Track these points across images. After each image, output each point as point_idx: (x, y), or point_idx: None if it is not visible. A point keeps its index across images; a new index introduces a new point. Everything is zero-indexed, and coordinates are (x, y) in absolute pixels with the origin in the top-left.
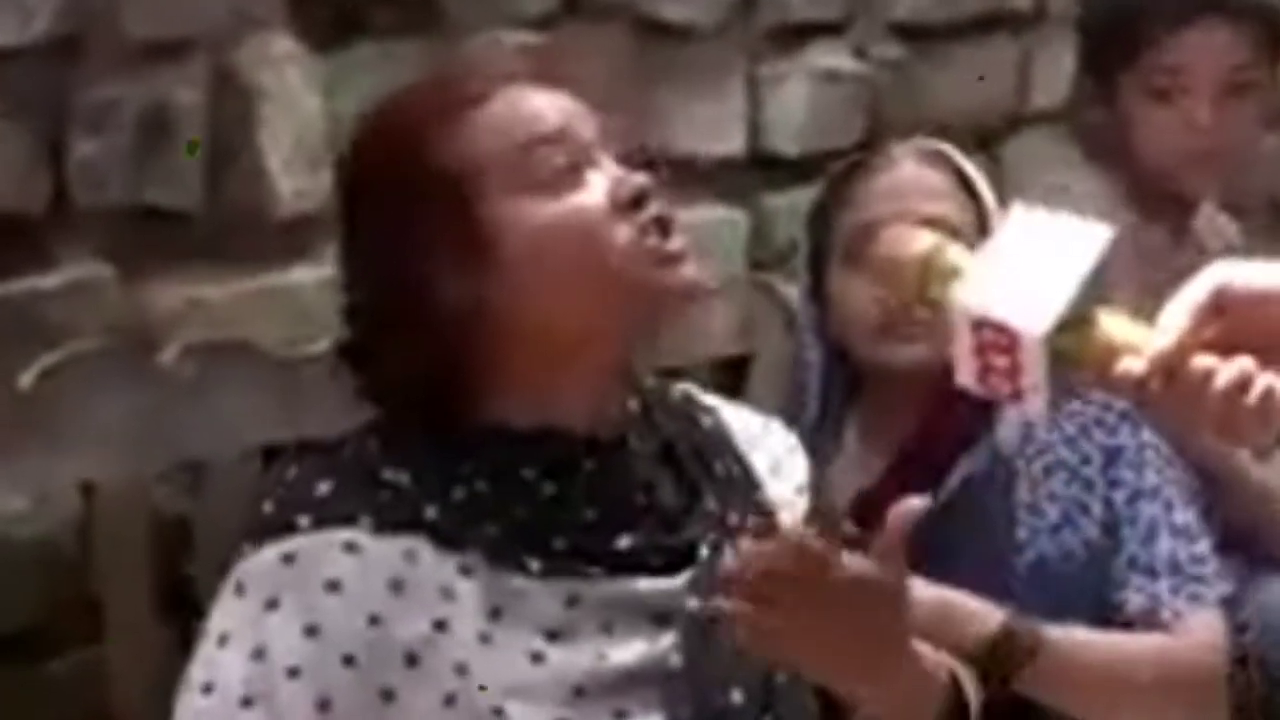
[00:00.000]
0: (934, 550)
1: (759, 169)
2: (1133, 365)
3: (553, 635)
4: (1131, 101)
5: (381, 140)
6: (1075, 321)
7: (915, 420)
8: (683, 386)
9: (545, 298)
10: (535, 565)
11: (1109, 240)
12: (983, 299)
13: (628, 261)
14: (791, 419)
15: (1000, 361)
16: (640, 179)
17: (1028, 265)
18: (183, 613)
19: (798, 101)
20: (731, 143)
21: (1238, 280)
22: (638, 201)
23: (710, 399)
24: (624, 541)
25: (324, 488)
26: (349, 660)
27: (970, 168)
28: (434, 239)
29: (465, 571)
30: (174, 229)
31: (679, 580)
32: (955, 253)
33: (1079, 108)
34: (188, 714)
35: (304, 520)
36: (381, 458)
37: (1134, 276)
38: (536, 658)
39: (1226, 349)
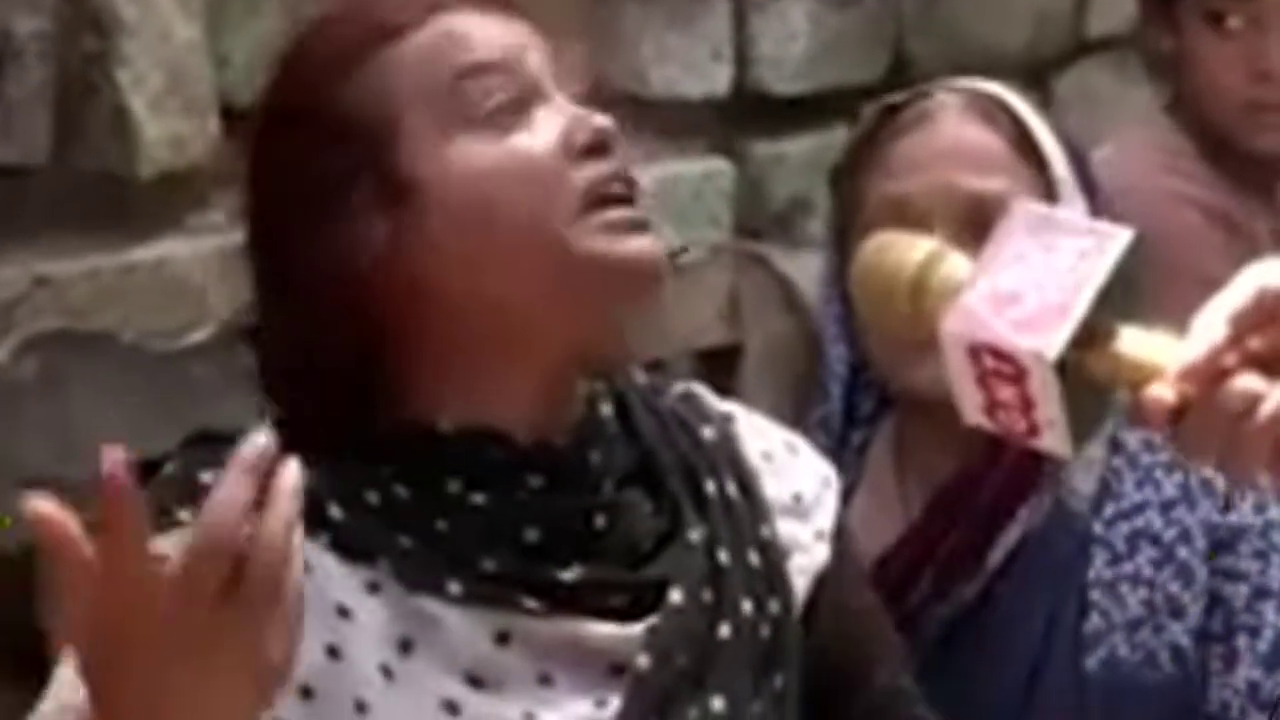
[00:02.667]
0: (975, 632)
1: (748, 112)
2: (1163, 393)
3: (475, 680)
4: (1191, 30)
5: (284, 83)
6: (1092, 340)
7: (960, 450)
8: (686, 387)
9: (475, 262)
10: (455, 588)
11: (1130, 243)
12: (978, 319)
13: (578, 222)
14: (820, 427)
15: (1007, 393)
16: (602, 121)
17: (1032, 275)
18: (33, 674)
19: (797, 29)
20: (714, 80)
21: None
22: (596, 149)
23: (726, 406)
24: (571, 573)
25: (207, 477)
26: None
27: (1037, 123)
28: (344, 196)
29: (371, 588)
30: (13, 191)
31: (637, 629)
32: (955, 264)
33: (1144, 32)
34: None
35: (184, 514)
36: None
37: (1210, 244)
38: (450, 707)
39: (1271, 366)
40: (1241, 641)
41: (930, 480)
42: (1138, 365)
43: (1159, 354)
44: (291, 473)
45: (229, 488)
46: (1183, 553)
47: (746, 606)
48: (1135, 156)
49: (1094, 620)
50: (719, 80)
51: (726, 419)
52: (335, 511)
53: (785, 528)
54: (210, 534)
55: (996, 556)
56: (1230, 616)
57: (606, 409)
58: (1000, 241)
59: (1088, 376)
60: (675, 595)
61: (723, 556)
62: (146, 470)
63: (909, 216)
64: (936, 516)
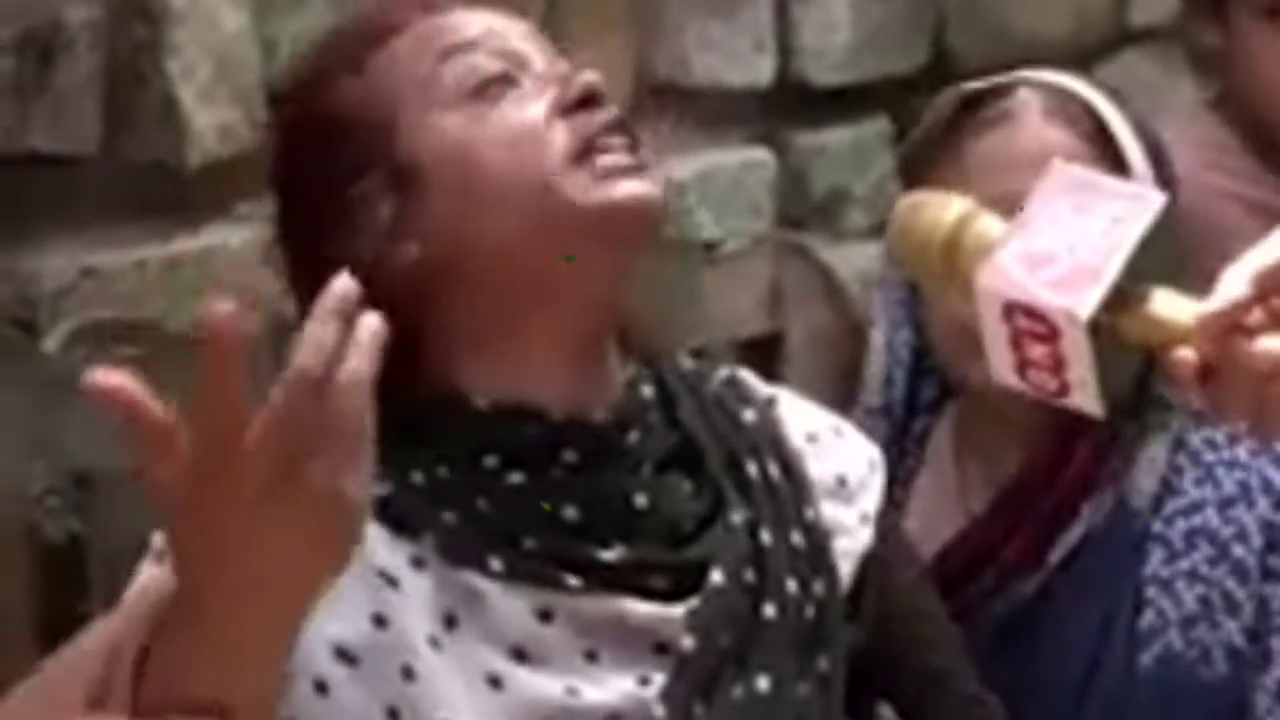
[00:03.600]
0: (1033, 627)
1: (790, 103)
2: (1185, 353)
3: (520, 654)
4: (1241, 21)
5: (293, 92)
6: (1123, 302)
7: (1021, 443)
8: (729, 372)
9: (479, 228)
10: (498, 564)
11: (1161, 207)
12: (1012, 278)
13: (570, 173)
14: (883, 414)
15: (1039, 352)
16: (588, 75)
17: (1066, 237)
18: None
19: (839, 19)
20: (757, 70)
21: None
22: (585, 102)
23: (769, 389)
24: (612, 553)
25: None
26: None
27: (1117, 122)
28: (353, 188)
29: (417, 564)
30: (63, 181)
31: (679, 610)
32: (988, 223)
33: (1188, 25)
34: None
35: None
36: None
37: (1254, 240)
38: (495, 681)
39: None
40: (1276, 642)
41: (991, 471)
42: (1168, 326)
43: (1189, 316)
44: (373, 319)
45: (316, 330)
46: (1239, 550)
47: (791, 586)
48: (1179, 151)
49: (1149, 617)
50: (761, 70)
51: (769, 402)
52: (381, 488)
53: (829, 510)
54: (301, 371)
55: (1058, 554)
56: (1269, 617)
57: (648, 391)
58: (1036, 203)
59: (1119, 338)
60: (716, 576)
61: (765, 537)
62: None
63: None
64: (1001, 514)
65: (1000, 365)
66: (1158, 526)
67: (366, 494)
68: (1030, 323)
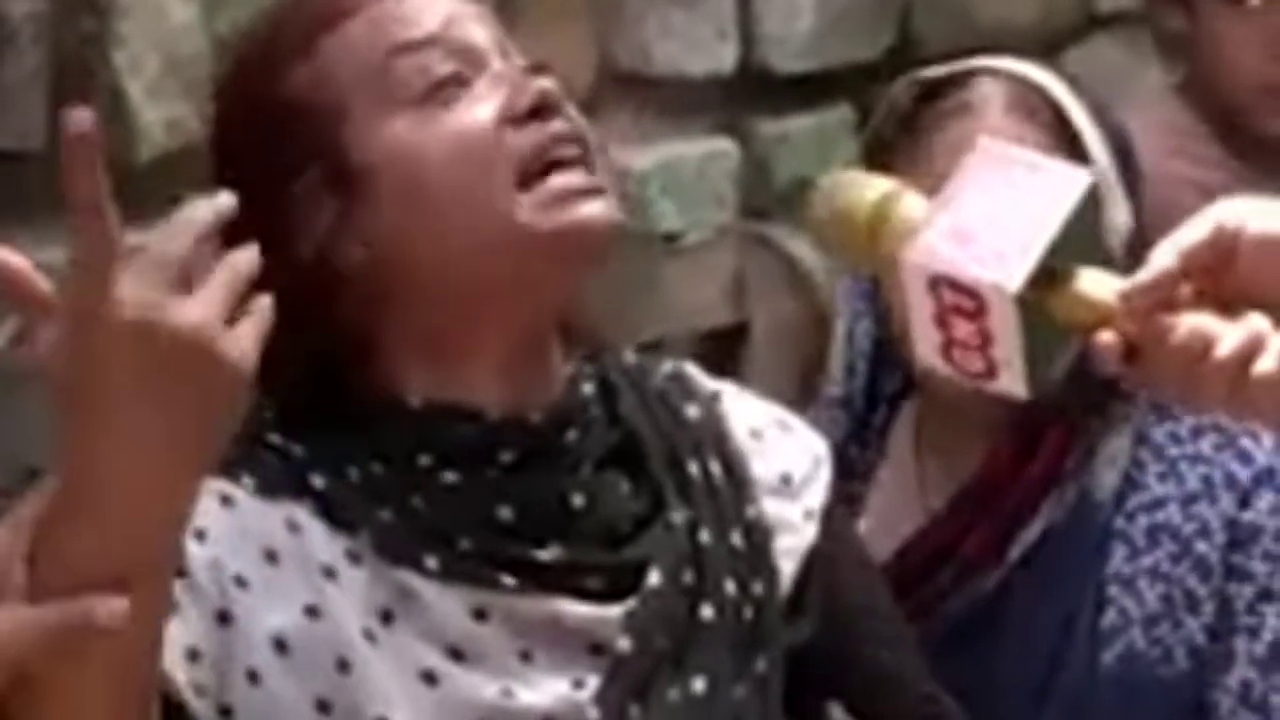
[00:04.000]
0: (992, 625)
1: (753, 91)
2: (1109, 335)
3: (455, 653)
4: (1206, 5)
5: (237, 74)
6: (1050, 280)
7: (982, 439)
8: (674, 366)
9: (426, 238)
10: (433, 563)
11: (1088, 186)
12: (939, 253)
13: (522, 193)
14: (842, 405)
15: (965, 330)
16: (544, 84)
17: (993, 213)
18: None
19: (802, 6)
20: (719, 58)
21: (1253, 221)
22: (539, 112)
23: (714, 385)
24: (547, 553)
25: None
26: (221, 617)
27: (1079, 114)
28: (297, 181)
29: (353, 559)
30: (9, 177)
31: (616, 611)
32: (913, 202)
33: (1154, 10)
34: None
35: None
36: (272, 426)
37: None
38: (429, 678)
39: (1231, 306)
40: (1239, 643)
41: (952, 467)
42: (1094, 305)
43: (1113, 293)
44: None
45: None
46: (1201, 547)
47: (730, 587)
48: (1143, 138)
49: (1111, 615)
50: (723, 58)
51: (713, 397)
52: (319, 481)
53: (772, 507)
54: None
55: (1018, 550)
56: (1232, 616)
57: (588, 389)
58: (963, 179)
59: (1045, 317)
60: (654, 577)
61: (705, 537)
62: None
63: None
64: (961, 511)
65: (925, 346)
66: (1120, 523)
67: (246, 356)
68: (957, 297)
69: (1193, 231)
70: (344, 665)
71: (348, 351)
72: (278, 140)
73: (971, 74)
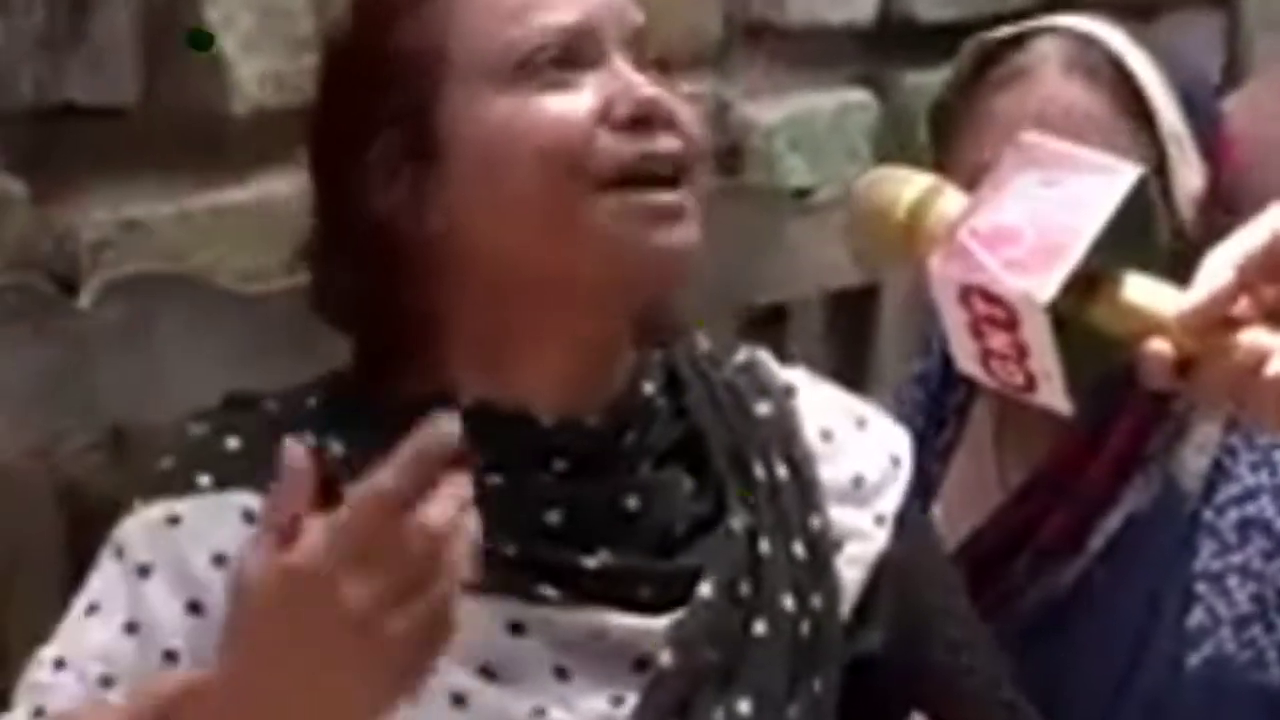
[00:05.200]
0: (1070, 619)
1: (894, 41)
2: (1161, 347)
3: (487, 672)
4: None
5: (349, 17)
6: (1092, 286)
7: (1061, 422)
8: (748, 356)
9: (497, 225)
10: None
11: (1136, 183)
12: (969, 259)
13: (603, 197)
14: (920, 381)
15: (1000, 341)
16: (651, 91)
17: (1031, 215)
18: None
19: None
20: (858, 6)
21: None
22: (641, 122)
23: (789, 376)
24: (595, 559)
25: (233, 444)
26: (192, 607)
27: (1146, 73)
28: (381, 137)
29: None
30: (101, 132)
31: (662, 622)
32: (952, 200)
33: None
34: (28, 691)
35: (204, 479)
36: (314, 419)
37: None
38: (459, 700)
39: None
40: None
41: (1029, 449)
42: (1141, 315)
43: (1163, 302)
44: (464, 480)
45: (395, 472)
46: None
47: (787, 602)
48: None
49: (1198, 615)
50: (863, 6)
51: (786, 392)
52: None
53: (840, 514)
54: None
55: (1098, 540)
56: None
57: (650, 385)
58: (1002, 176)
59: (1087, 326)
60: (706, 588)
61: (765, 546)
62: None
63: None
64: (1036, 496)
65: (963, 355)
66: (1208, 515)
67: (445, 642)
68: (989, 308)
69: (1249, 239)
70: None
71: (404, 334)
72: (371, 91)
73: (1034, 34)
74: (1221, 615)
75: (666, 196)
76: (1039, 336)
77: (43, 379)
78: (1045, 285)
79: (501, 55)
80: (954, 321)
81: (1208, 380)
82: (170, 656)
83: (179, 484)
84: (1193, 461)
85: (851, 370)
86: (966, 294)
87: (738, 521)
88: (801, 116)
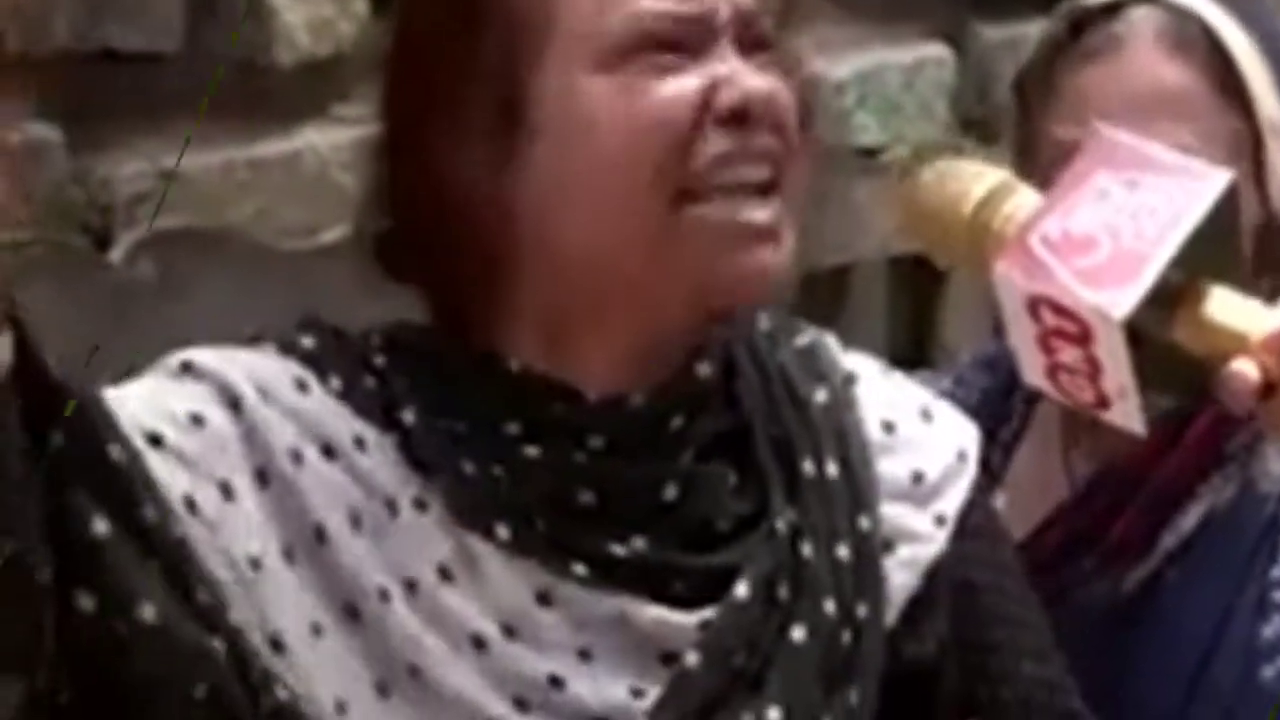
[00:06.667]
0: (1138, 621)
1: None
2: (1246, 368)
3: (510, 630)
4: None
5: None
6: (1172, 300)
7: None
8: (811, 338)
9: (574, 210)
10: (505, 533)
11: (1224, 188)
12: (1039, 266)
13: (695, 202)
14: (988, 367)
15: (1071, 356)
16: (757, 84)
17: (1107, 219)
18: None
19: None
20: None
21: None
22: (741, 116)
23: (852, 363)
24: (627, 548)
25: (307, 341)
26: (295, 456)
27: (1245, 51)
28: (470, 94)
29: (419, 506)
30: (142, 79)
31: (692, 619)
32: (1023, 199)
33: None
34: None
35: (269, 345)
36: (379, 350)
37: None
38: (478, 643)
39: None
40: None
41: (1098, 443)
42: (1225, 333)
43: (1249, 320)
44: None
45: None
46: None
47: (829, 607)
48: None
49: (1276, 624)
50: None
51: (847, 380)
52: (409, 416)
53: (896, 513)
54: None
55: (1170, 540)
56: None
57: (705, 368)
58: (1077, 176)
59: (1166, 341)
60: (741, 588)
61: (808, 548)
62: None
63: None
64: (1106, 493)
65: (1030, 367)
66: None
67: None
68: (1059, 320)
69: None
70: (384, 595)
71: (462, 294)
72: (468, 40)
73: (1126, 2)
74: None
75: (759, 215)
76: (1114, 353)
77: (72, 340)
78: (1122, 300)
79: (609, 33)
80: (1021, 332)
81: None
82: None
83: (240, 338)
84: (1275, 463)
85: (913, 339)
86: (1035, 305)
87: (781, 521)
88: (873, 72)
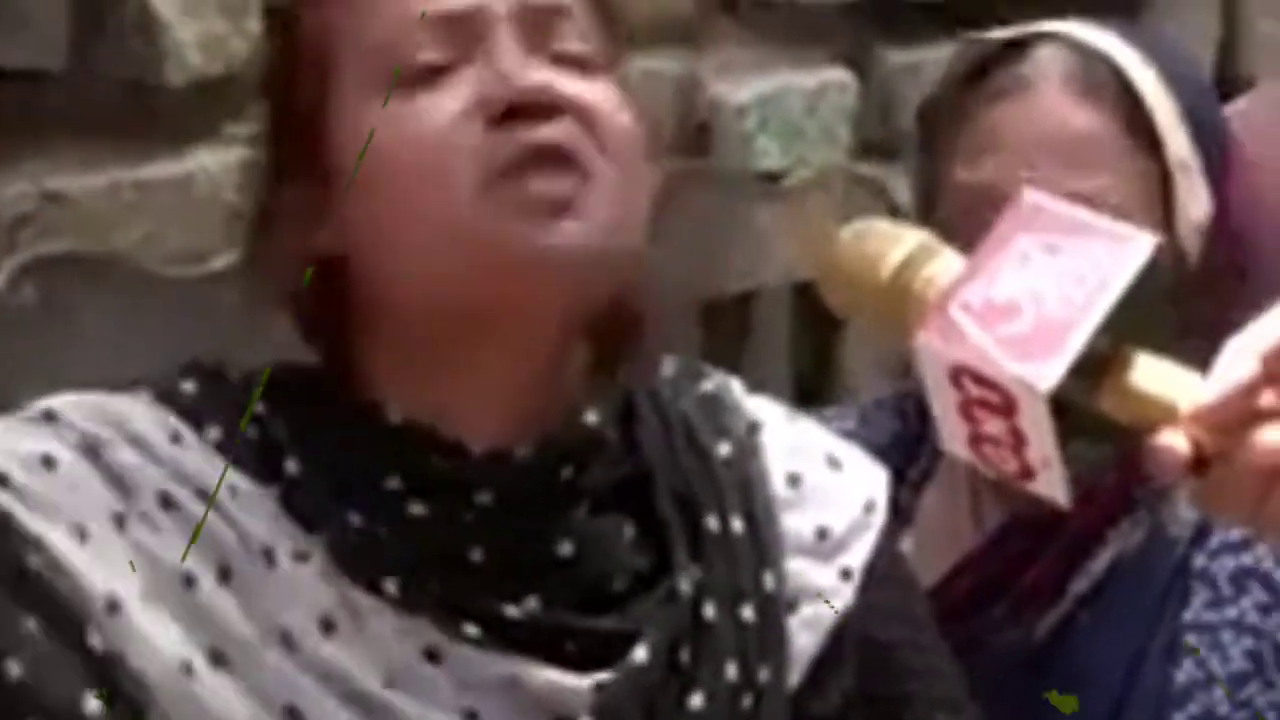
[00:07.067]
0: (1050, 667)
1: (878, 17)
2: (1176, 441)
3: (394, 685)
4: None
5: None
6: (1099, 369)
7: None
8: (715, 384)
9: (392, 245)
10: (393, 589)
11: (1151, 252)
12: (961, 335)
13: (485, 197)
14: (896, 408)
15: (994, 427)
16: (531, 78)
17: (1032, 284)
18: None
19: None
20: None
21: None
22: (520, 111)
23: (757, 410)
24: (519, 608)
25: (187, 387)
26: (165, 501)
27: (1154, 90)
28: (286, 142)
29: (301, 557)
30: (26, 97)
31: (587, 682)
32: (945, 264)
33: None
34: None
35: (145, 393)
36: (261, 396)
37: None
38: (360, 697)
39: None
40: None
41: (1008, 493)
42: (1151, 402)
43: (1177, 390)
44: None
45: None
46: None
47: (731, 671)
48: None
49: (1188, 669)
50: None
51: (752, 430)
52: (291, 466)
53: (801, 569)
54: None
55: (1081, 584)
56: None
57: (595, 416)
58: (1001, 240)
59: (1092, 411)
60: (640, 653)
61: (710, 611)
62: None
63: (985, 212)
64: (1015, 540)
65: (950, 436)
66: (1200, 561)
67: None
68: (982, 391)
69: (1274, 326)
70: (255, 644)
71: (331, 342)
72: (278, 87)
73: (1033, 40)
74: (1214, 671)
75: (550, 185)
76: (1039, 425)
77: None
78: (1048, 372)
79: (381, 51)
80: (942, 400)
81: (1226, 480)
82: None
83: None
84: (1184, 508)
85: (818, 366)
86: (957, 374)
87: (684, 581)
88: (775, 95)
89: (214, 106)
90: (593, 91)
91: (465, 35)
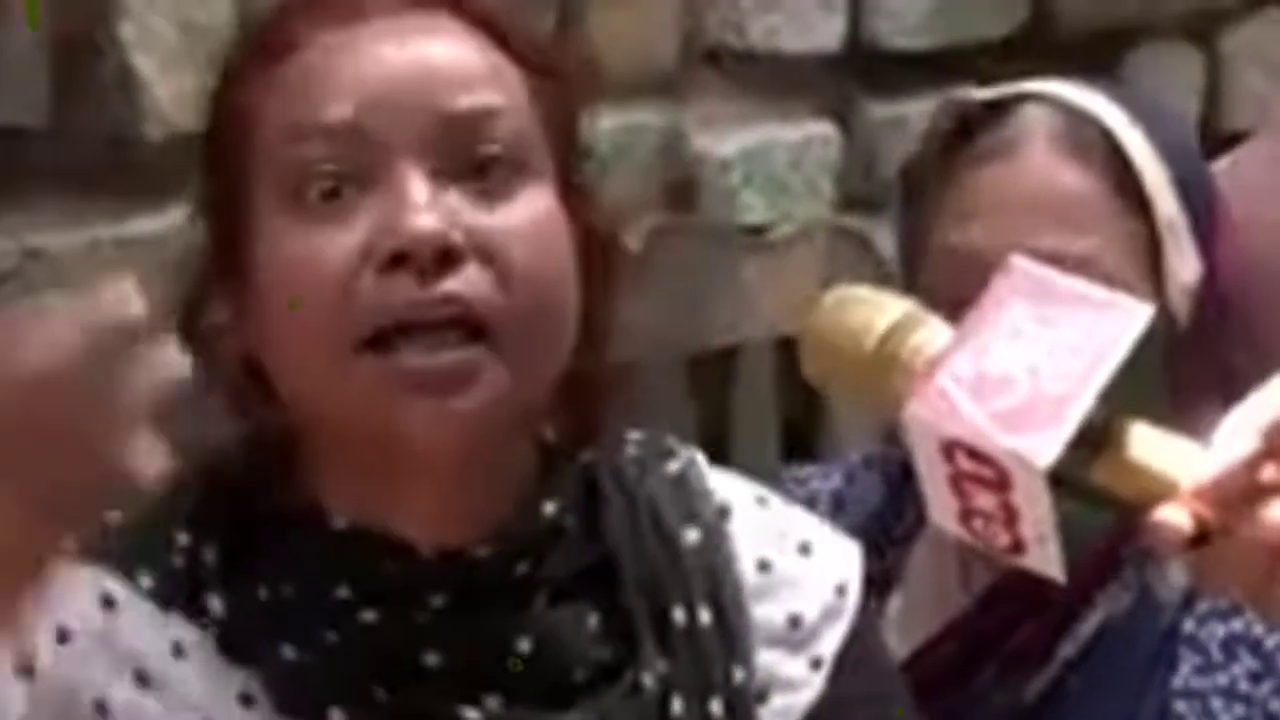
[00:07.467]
0: None
1: (862, 70)
2: (1177, 517)
3: None
4: None
5: (219, 72)
6: (1096, 443)
7: None
8: (683, 464)
9: (283, 365)
10: (339, 718)
11: (1148, 321)
12: (953, 408)
13: (364, 356)
14: (882, 468)
15: (986, 501)
16: (423, 224)
17: (1025, 356)
18: None
19: None
20: (823, 33)
21: None
22: (406, 261)
23: (727, 492)
24: (480, 710)
25: (114, 528)
26: (100, 708)
27: (1142, 151)
28: (216, 227)
29: (245, 702)
30: (6, 155)
31: None
32: (931, 332)
33: None
34: None
35: (75, 558)
36: (185, 519)
37: None
38: None
39: None
40: None
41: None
42: (1150, 476)
43: (1177, 463)
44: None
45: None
46: None
47: None
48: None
49: None
50: (829, 33)
51: (721, 514)
52: (218, 605)
53: (771, 660)
54: None
55: (1069, 648)
56: None
57: (552, 505)
58: (991, 309)
59: (1087, 485)
60: None
61: (678, 707)
62: None
63: (973, 276)
64: (1003, 604)
65: (940, 510)
66: (1189, 626)
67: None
68: (975, 466)
69: (1275, 399)
70: None
71: (270, 445)
72: (206, 182)
73: (1019, 100)
74: None
75: (437, 361)
76: (1034, 501)
77: None
78: (1044, 447)
79: (283, 165)
80: (932, 474)
81: (1227, 557)
82: None
83: None
84: (1172, 572)
85: (803, 420)
86: (949, 448)
87: (649, 676)
88: (759, 149)
89: (194, 162)
90: (506, 220)
91: (359, 152)
